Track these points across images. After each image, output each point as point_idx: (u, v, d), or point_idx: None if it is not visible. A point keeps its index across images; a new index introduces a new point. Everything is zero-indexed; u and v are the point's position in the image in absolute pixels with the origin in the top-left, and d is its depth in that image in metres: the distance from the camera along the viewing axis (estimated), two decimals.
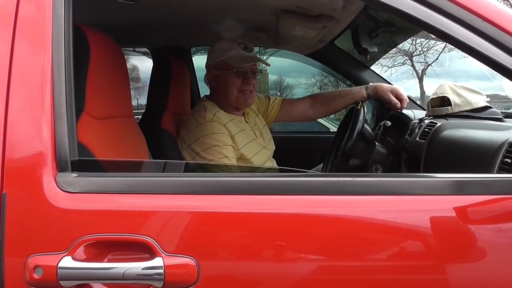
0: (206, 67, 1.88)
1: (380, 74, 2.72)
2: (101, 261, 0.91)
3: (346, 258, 0.94)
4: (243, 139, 1.76)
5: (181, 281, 0.90)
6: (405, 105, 1.97)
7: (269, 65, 1.93)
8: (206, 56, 1.91)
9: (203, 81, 1.97)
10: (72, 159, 0.95)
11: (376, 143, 1.99)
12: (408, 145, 1.92)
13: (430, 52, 13.25)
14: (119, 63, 1.37)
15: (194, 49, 2.92)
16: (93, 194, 0.95)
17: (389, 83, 2.21)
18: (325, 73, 6.20)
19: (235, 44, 1.82)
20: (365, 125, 1.85)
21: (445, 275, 0.93)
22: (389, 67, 12.49)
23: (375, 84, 2.02)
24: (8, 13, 0.99)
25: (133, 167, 1.26)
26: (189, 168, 1.59)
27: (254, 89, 1.86)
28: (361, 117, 1.81)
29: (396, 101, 1.94)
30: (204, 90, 2.72)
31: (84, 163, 1.01)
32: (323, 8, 1.74)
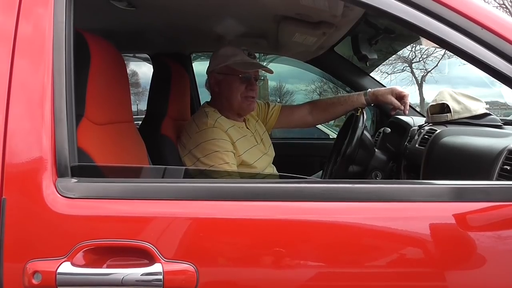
0: (207, 72, 1.87)
1: (380, 81, 2.73)
2: (100, 267, 0.91)
3: (346, 265, 0.93)
4: (244, 145, 1.77)
5: (180, 287, 0.90)
6: (408, 101, 1.94)
7: (272, 72, 1.93)
8: (208, 61, 1.91)
9: (203, 87, 1.98)
10: (72, 165, 0.95)
11: (376, 150, 1.99)
12: (408, 151, 1.92)
13: (430, 59, 13.30)
14: (120, 69, 1.38)
15: (194, 55, 2.92)
16: (92, 199, 0.95)
17: None
18: (324, 80, 6.21)
19: (239, 50, 1.82)
20: (365, 132, 1.85)
21: (445, 282, 0.93)
22: (389, 74, 12.53)
23: (372, 90, 2.01)
24: (9, 17, 0.99)
25: (133, 172, 1.26)
26: (189, 174, 1.59)
27: (256, 96, 1.87)
28: (360, 124, 1.81)
29: (398, 103, 1.93)
30: (204, 96, 2.72)
31: (84, 169, 1.01)
32: (323, 15, 1.74)
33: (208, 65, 1.89)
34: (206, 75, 1.90)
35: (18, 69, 0.97)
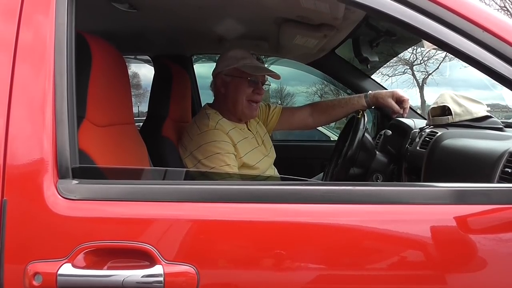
0: (214, 73, 1.87)
1: (381, 83, 2.73)
2: (101, 268, 0.91)
3: (346, 267, 0.93)
4: (245, 147, 1.77)
5: None
6: (407, 106, 1.94)
7: (279, 77, 1.93)
8: (209, 63, 1.91)
9: (204, 89, 1.98)
10: (73, 166, 0.95)
11: (377, 152, 1.99)
12: (409, 154, 1.92)
13: (431, 61, 13.30)
14: (121, 71, 1.38)
15: (195, 57, 2.93)
16: (93, 201, 0.95)
17: None
18: (325, 82, 6.22)
19: (249, 53, 1.83)
20: (366, 134, 1.85)
21: (446, 284, 0.93)
22: (390, 76, 12.52)
23: (373, 92, 2.01)
24: (11, 20, 0.99)
25: (134, 174, 1.26)
26: (190, 176, 1.59)
27: (260, 101, 1.87)
28: (361, 126, 1.81)
29: (398, 108, 1.93)
30: (204, 98, 2.73)
31: (85, 170, 1.01)
32: (324, 18, 1.75)
33: (215, 66, 1.89)
34: (207, 77, 1.90)
35: (19, 70, 0.97)
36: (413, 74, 13.50)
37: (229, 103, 1.82)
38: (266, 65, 3.16)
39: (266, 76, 1.89)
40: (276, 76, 1.92)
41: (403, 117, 2.00)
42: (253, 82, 1.80)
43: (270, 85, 1.95)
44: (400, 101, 1.93)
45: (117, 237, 0.92)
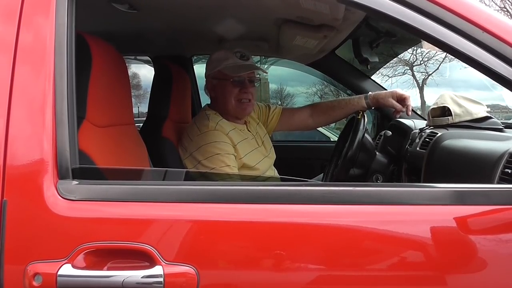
0: (205, 77, 1.89)
1: (381, 84, 2.73)
2: (101, 269, 0.91)
3: (346, 268, 0.93)
4: (245, 148, 1.77)
5: None
6: (410, 102, 1.94)
7: (266, 72, 1.93)
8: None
9: (204, 90, 1.98)
10: (73, 167, 0.95)
11: (377, 153, 1.99)
12: (409, 155, 1.92)
13: (431, 62, 13.31)
14: (121, 71, 1.38)
15: (195, 57, 2.93)
16: (93, 202, 0.95)
17: None
18: (325, 83, 6.22)
19: (231, 53, 1.83)
20: (366, 135, 1.85)
21: (446, 285, 0.93)
22: (390, 77, 12.53)
23: (373, 93, 2.01)
24: (11, 21, 0.99)
25: (134, 175, 1.26)
26: (190, 176, 1.59)
27: (253, 98, 1.86)
28: (361, 127, 1.81)
29: (400, 106, 1.93)
30: (205, 98, 2.73)
31: (85, 171, 1.01)
32: (324, 18, 1.75)
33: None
34: (205, 79, 1.91)
35: (20, 71, 0.97)
36: (413, 75, 13.52)
37: (220, 105, 1.83)
38: (266, 66, 3.16)
39: (258, 72, 1.89)
40: (262, 71, 1.91)
41: (407, 114, 1.99)
42: (237, 82, 1.80)
43: (260, 81, 1.93)
44: (401, 99, 1.93)
45: (117, 238, 0.92)
